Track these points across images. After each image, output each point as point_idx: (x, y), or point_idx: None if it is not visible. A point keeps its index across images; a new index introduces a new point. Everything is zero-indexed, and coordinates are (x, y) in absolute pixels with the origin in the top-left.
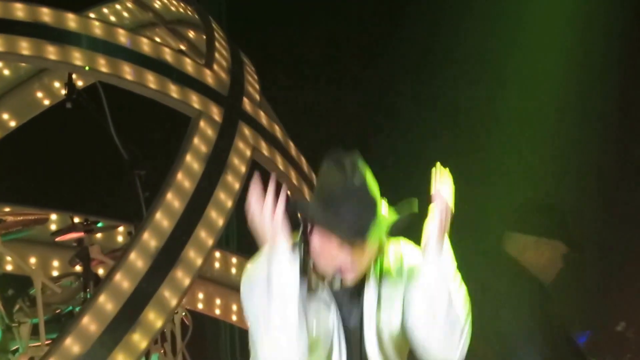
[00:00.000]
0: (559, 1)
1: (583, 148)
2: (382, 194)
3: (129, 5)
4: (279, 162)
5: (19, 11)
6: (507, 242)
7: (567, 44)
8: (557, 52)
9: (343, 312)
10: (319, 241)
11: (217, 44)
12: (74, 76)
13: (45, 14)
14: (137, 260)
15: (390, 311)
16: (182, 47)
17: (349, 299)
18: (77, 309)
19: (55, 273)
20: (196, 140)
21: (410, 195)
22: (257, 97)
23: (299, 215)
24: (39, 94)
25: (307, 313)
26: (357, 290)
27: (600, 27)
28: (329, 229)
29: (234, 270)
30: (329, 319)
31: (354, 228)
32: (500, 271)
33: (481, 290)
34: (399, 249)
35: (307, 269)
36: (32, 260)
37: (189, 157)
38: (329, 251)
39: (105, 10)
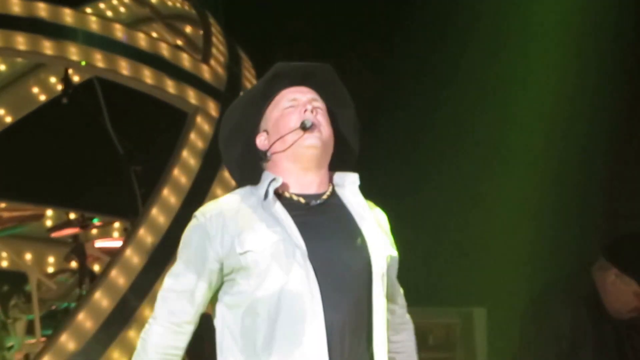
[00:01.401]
0: (556, 8)
1: (580, 151)
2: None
3: (126, 0)
4: None
5: (15, 6)
6: (595, 268)
7: (563, 49)
8: (553, 56)
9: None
10: (276, 125)
11: (214, 39)
12: (70, 71)
13: (42, 9)
14: (133, 257)
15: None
16: (179, 42)
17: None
18: (73, 305)
19: (50, 269)
20: (193, 136)
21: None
22: None
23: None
24: (35, 90)
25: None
26: (338, 208)
27: (597, 32)
28: (275, 70)
29: None
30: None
31: (301, 67)
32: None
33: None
34: (365, 200)
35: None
36: (28, 256)
37: (185, 153)
38: (288, 115)
39: (101, 5)
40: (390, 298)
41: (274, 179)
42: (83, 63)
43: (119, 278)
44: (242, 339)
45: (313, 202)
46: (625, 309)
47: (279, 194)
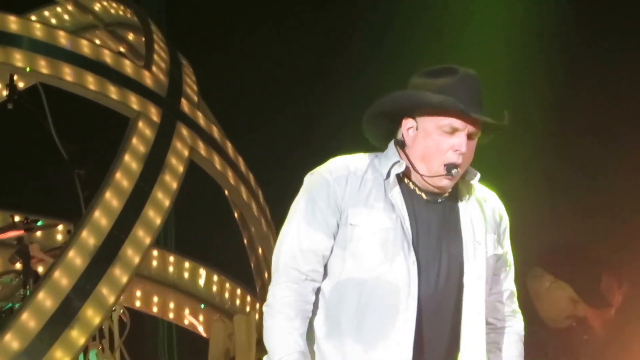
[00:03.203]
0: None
1: (523, 147)
2: None
3: (70, 7)
4: (217, 162)
5: None
6: (529, 277)
7: (503, 45)
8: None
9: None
10: (426, 137)
11: (155, 46)
12: (15, 77)
13: None
14: (76, 258)
15: (484, 252)
16: (122, 49)
17: (442, 214)
18: (17, 305)
19: None
20: (135, 141)
21: None
22: (195, 98)
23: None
24: None
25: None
26: (450, 208)
27: (535, 29)
28: (447, 105)
29: (171, 269)
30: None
31: (474, 99)
32: None
33: None
34: (486, 193)
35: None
36: None
37: (127, 157)
38: (438, 143)
39: (46, 12)
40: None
41: (397, 162)
42: (28, 69)
43: (62, 279)
44: (325, 314)
45: (432, 199)
46: (561, 315)
47: (400, 178)
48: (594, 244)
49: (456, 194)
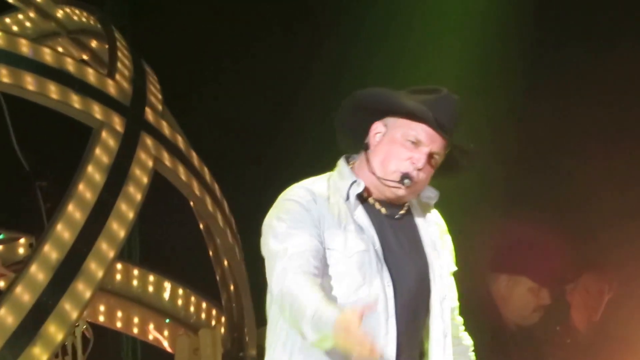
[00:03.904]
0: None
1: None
2: None
3: (32, 15)
4: (182, 172)
5: None
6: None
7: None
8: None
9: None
10: (390, 144)
11: (119, 54)
12: None
13: None
14: (38, 273)
15: (447, 271)
16: (85, 57)
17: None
18: None
19: None
20: (98, 151)
21: None
22: (160, 107)
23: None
24: None
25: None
26: (409, 226)
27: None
28: (418, 111)
29: (135, 283)
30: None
31: (449, 120)
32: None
33: None
34: (434, 211)
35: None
36: None
37: (90, 168)
38: (399, 152)
39: (7, 20)
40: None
41: (354, 182)
42: None
43: (24, 295)
44: (303, 342)
45: (392, 214)
46: (527, 309)
47: (361, 197)
48: (545, 235)
49: (413, 212)
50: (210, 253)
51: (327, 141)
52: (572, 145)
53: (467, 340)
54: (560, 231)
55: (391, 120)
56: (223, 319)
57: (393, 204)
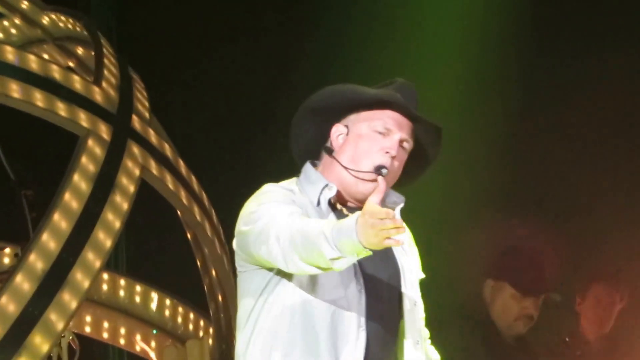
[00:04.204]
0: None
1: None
2: None
3: (17, 21)
4: (169, 181)
5: None
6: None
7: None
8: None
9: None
10: (357, 140)
11: (106, 61)
12: None
13: None
14: (24, 283)
15: (417, 277)
16: (71, 64)
17: None
18: None
19: None
20: (84, 160)
21: None
22: (147, 114)
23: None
24: None
25: None
26: None
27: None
28: (383, 96)
29: (122, 293)
30: None
31: (413, 100)
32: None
33: None
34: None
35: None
36: None
37: (76, 177)
38: (369, 145)
39: None
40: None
41: (326, 186)
42: None
43: (9, 305)
44: (273, 331)
45: None
46: (511, 317)
47: (331, 204)
48: (538, 243)
49: None
50: (198, 263)
51: None
52: (575, 150)
53: (435, 355)
54: (565, 239)
55: (352, 118)
56: (211, 330)
57: (359, 209)
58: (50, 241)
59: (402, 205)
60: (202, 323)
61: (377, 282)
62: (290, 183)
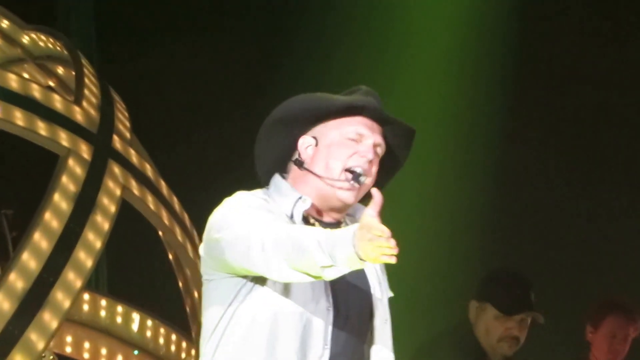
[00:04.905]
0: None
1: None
2: None
3: None
4: (150, 201)
5: None
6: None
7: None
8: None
9: None
10: (328, 147)
11: (86, 80)
12: None
13: None
14: (4, 302)
15: (387, 293)
16: (51, 84)
17: None
18: None
19: None
20: (64, 179)
21: None
22: (128, 134)
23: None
24: None
25: None
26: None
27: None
28: (354, 102)
29: (103, 313)
30: None
31: (379, 103)
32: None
33: None
34: None
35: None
36: None
37: (57, 197)
38: (342, 152)
39: None
40: None
41: (300, 198)
42: None
43: None
44: (242, 351)
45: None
46: (494, 338)
47: (304, 217)
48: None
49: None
50: (180, 284)
51: None
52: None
53: None
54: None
55: (319, 128)
56: (193, 352)
57: (332, 224)
58: (30, 260)
59: None
60: (184, 344)
61: (347, 299)
62: (258, 193)
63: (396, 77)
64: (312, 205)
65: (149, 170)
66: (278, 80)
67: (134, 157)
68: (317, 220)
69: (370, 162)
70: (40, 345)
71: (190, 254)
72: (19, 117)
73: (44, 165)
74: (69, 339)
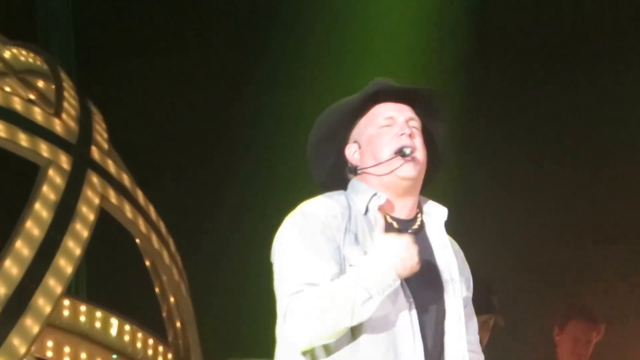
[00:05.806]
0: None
1: None
2: None
3: None
4: (127, 210)
5: None
6: None
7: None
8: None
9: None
10: (370, 143)
11: (65, 93)
12: None
13: None
14: None
15: (460, 291)
16: (32, 97)
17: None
18: None
19: None
20: (45, 189)
21: None
22: (106, 145)
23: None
24: None
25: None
26: (422, 242)
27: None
28: (374, 88)
29: (83, 318)
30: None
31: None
32: None
33: None
34: (448, 237)
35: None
36: None
37: (38, 205)
38: (381, 140)
39: None
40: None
41: (375, 194)
42: None
43: None
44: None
45: (405, 229)
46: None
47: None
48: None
49: (424, 228)
50: (157, 290)
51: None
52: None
53: None
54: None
55: (355, 132)
56: (170, 356)
57: (409, 221)
58: (12, 267)
59: (444, 218)
60: (161, 349)
61: (422, 293)
62: (337, 194)
63: (357, 78)
64: (387, 201)
65: (126, 179)
66: (253, 91)
67: (111, 167)
68: (393, 219)
69: (410, 135)
70: (22, 349)
71: (166, 260)
72: (0, 129)
73: (24, 175)
74: (49, 343)
